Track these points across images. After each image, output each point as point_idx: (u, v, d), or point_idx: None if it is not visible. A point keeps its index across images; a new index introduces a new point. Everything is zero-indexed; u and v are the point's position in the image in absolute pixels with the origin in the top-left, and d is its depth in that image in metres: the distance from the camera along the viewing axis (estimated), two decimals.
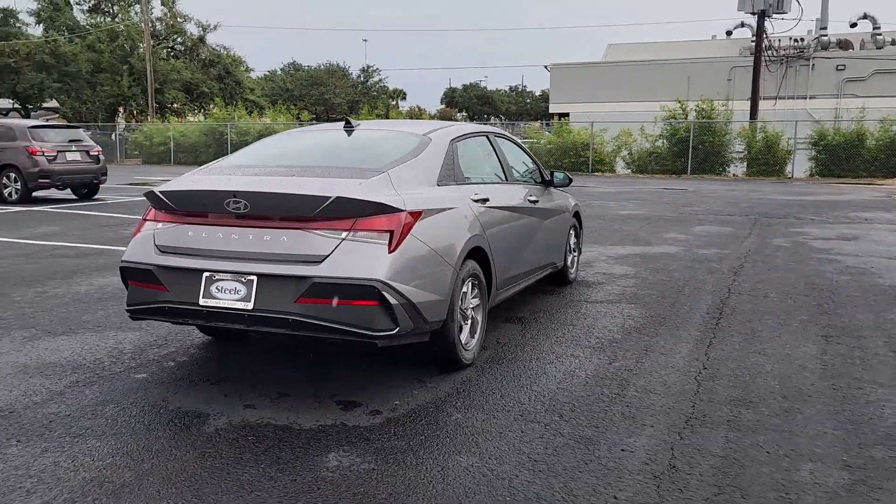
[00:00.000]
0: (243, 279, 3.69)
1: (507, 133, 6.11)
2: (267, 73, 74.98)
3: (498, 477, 3.02)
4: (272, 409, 3.73)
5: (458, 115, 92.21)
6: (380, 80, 67.85)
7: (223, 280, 3.73)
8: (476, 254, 4.45)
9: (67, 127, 16.22)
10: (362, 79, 66.43)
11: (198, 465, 3.10)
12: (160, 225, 4.03)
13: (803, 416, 3.69)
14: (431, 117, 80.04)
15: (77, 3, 46.27)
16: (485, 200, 4.68)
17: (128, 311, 4.08)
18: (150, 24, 40.72)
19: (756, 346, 4.91)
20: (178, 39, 47.39)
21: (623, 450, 3.30)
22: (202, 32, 46.22)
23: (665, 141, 27.63)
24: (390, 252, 3.64)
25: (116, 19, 45.42)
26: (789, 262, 8.15)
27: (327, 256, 3.61)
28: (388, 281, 3.58)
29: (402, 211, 3.74)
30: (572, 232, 6.90)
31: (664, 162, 27.66)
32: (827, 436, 3.45)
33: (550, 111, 43.13)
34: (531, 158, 6.20)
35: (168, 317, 3.93)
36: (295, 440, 3.37)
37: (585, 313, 5.80)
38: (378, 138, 4.81)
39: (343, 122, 5.07)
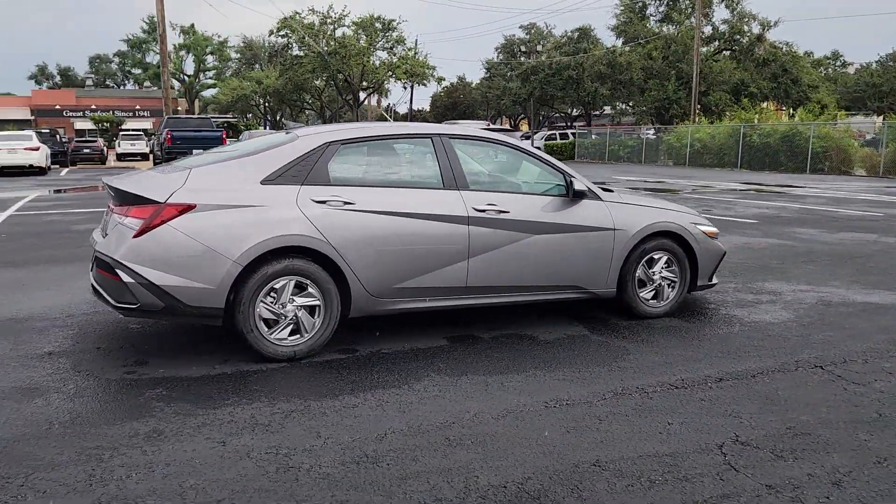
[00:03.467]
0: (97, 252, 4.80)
1: (498, 138, 5.46)
2: (860, 65, 67.59)
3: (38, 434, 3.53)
4: (96, 358, 4.74)
5: None
6: None
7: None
8: (309, 254, 4.54)
9: (500, 131, 18.64)
10: None
11: None
12: None
13: None
14: None
15: (652, 16, 49.90)
16: (347, 203, 4.65)
17: None
18: (701, 28, 41.46)
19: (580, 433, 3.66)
20: (741, 40, 46.72)
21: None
22: (762, 30, 44.66)
23: None
24: (134, 237, 4.27)
25: (681, 26, 47.38)
26: None
27: (107, 235, 4.46)
28: (120, 260, 4.24)
29: (157, 203, 4.29)
30: (661, 258, 5.64)
31: None
32: None
33: None
34: (552, 168, 5.42)
35: None
36: (44, 373, 4.38)
37: (546, 343, 4.94)
38: (265, 138, 5.19)
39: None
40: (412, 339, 5.05)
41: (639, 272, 5.60)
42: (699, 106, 41.64)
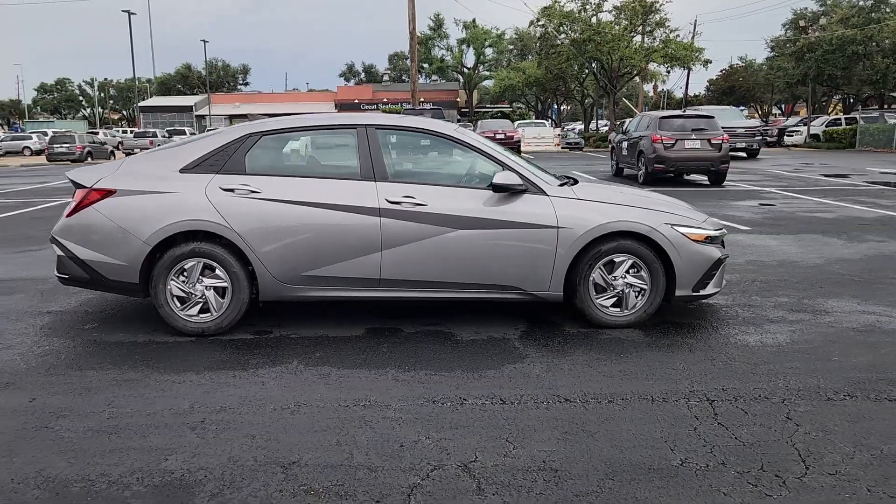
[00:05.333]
0: None
1: (432, 128, 5.18)
2: None
3: None
4: (71, 319, 5.56)
5: None
6: None
7: None
8: (215, 238, 4.89)
9: (699, 116, 16.96)
10: None
11: None
12: None
13: None
14: None
15: None
16: (253, 191, 4.90)
17: None
18: None
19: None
20: None
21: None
22: None
23: None
24: (67, 216, 4.95)
25: None
26: None
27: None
28: (55, 236, 4.96)
29: (85, 188, 4.93)
30: (624, 262, 5.01)
31: None
32: None
33: None
34: (492, 160, 5.08)
35: None
36: None
37: (455, 343, 4.72)
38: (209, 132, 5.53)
39: None
40: (332, 327, 5.14)
41: (594, 276, 5.04)
42: None
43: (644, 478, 2.99)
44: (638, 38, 45.65)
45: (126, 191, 4.92)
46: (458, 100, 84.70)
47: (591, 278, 5.03)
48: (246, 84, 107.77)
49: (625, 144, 18.25)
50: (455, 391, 3.95)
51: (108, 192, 4.92)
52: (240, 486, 2.95)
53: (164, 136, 43.24)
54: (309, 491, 2.91)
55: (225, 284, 4.93)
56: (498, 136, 29.37)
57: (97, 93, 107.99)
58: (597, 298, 5.08)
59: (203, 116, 76.83)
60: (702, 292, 5.16)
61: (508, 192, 4.93)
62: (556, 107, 73.70)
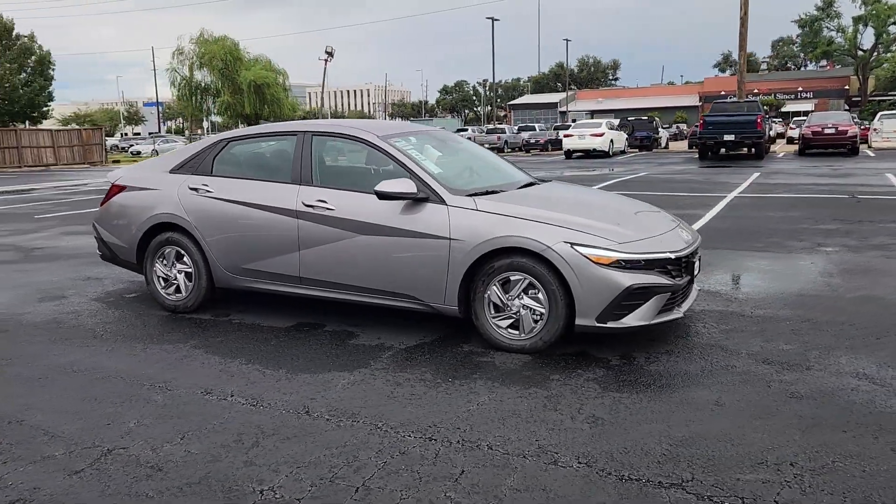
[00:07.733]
0: None
1: (357, 135, 5.16)
2: None
3: None
4: (126, 289, 6.88)
5: None
6: None
7: None
8: (181, 230, 5.71)
9: None
10: None
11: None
12: None
13: None
14: None
15: None
16: (208, 191, 5.60)
17: None
18: None
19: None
20: None
21: None
22: None
23: None
24: (100, 205, 6.22)
25: None
26: None
27: None
28: (93, 221, 6.26)
29: (112, 184, 6.12)
30: (520, 282, 4.56)
31: None
32: None
33: None
34: (401, 167, 4.97)
35: None
36: None
37: (338, 344, 4.86)
38: None
39: None
40: (272, 318, 5.58)
41: (490, 293, 4.66)
42: None
43: (210, 495, 2.95)
44: None
45: (132, 187, 5.99)
46: (848, 87, 74.59)
47: (486, 296, 4.67)
48: (616, 79, 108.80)
49: None
50: (238, 387, 4.14)
51: (122, 188, 6.04)
52: None
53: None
54: None
55: (191, 270, 5.70)
56: (827, 131, 25.49)
57: (486, 92, 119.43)
58: (493, 318, 4.69)
59: (565, 112, 79.73)
60: (610, 325, 4.42)
61: (394, 199, 4.83)
62: None
